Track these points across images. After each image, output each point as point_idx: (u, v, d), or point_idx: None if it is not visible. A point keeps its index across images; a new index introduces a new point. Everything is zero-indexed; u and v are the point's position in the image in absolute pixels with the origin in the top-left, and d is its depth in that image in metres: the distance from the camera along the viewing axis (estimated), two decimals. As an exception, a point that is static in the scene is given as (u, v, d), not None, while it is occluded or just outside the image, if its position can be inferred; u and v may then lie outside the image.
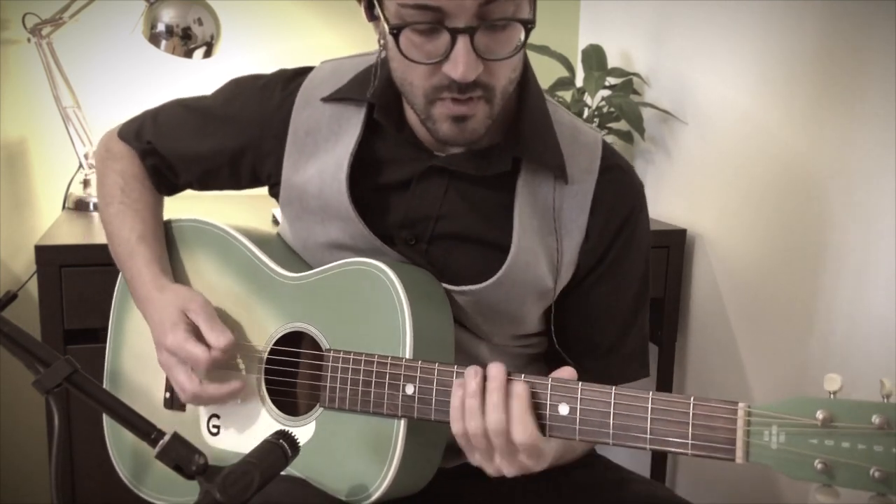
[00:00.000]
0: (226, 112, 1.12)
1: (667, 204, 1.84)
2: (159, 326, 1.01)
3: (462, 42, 0.85)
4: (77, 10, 1.71)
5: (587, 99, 1.83)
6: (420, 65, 0.89)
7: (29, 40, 1.72)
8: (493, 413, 0.82)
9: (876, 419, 0.70)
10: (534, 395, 0.84)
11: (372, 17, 0.92)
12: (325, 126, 1.05)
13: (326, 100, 1.05)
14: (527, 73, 1.02)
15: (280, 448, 0.79)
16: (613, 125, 1.85)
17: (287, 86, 1.09)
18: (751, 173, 1.59)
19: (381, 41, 0.94)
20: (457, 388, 0.86)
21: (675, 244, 1.74)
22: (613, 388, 0.82)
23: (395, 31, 0.87)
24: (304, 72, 1.10)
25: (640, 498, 1.02)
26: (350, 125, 1.04)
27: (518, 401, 0.82)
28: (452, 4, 0.83)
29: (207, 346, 0.98)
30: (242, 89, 1.13)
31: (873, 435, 0.70)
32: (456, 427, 0.85)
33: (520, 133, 0.99)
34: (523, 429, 0.82)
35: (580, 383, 0.83)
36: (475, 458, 0.87)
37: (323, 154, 1.04)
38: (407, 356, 0.91)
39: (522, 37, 0.88)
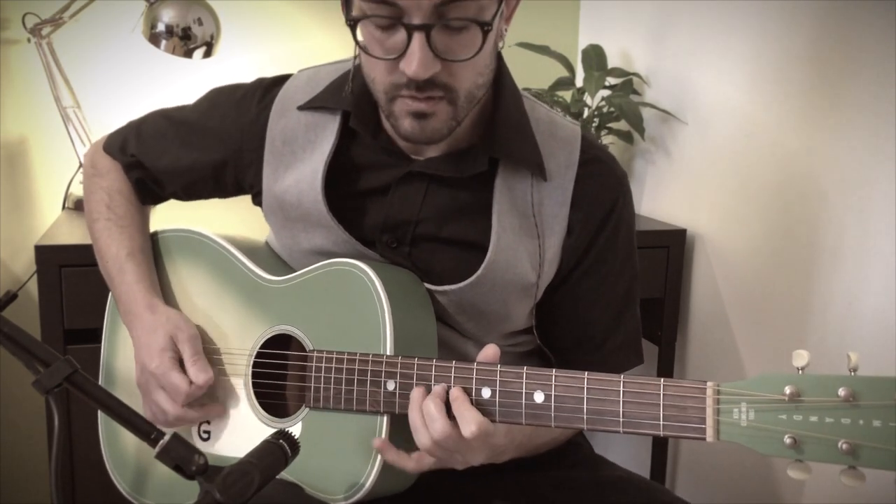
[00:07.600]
0: (206, 124, 1.12)
1: (667, 204, 1.84)
2: (146, 348, 1.02)
3: (417, 39, 0.84)
4: (77, 10, 1.71)
5: (587, 99, 1.83)
6: (380, 60, 0.89)
7: (29, 40, 1.72)
8: (434, 424, 0.85)
9: (842, 392, 0.70)
10: (508, 385, 0.85)
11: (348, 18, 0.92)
12: (301, 135, 1.05)
13: (302, 108, 1.06)
14: (502, 73, 1.02)
15: (280, 448, 0.80)
16: (613, 125, 1.85)
17: (264, 97, 1.09)
18: (751, 173, 1.59)
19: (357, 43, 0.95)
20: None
21: (675, 244, 1.74)
22: (586, 373, 0.82)
23: (352, 23, 0.89)
24: (281, 81, 1.11)
25: (639, 498, 1.02)
26: (326, 133, 1.04)
27: (457, 403, 0.85)
28: (409, 1, 0.83)
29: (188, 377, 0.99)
30: (221, 101, 1.13)
31: (840, 408, 0.71)
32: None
33: (496, 133, 0.99)
34: (467, 418, 0.84)
35: (554, 370, 0.84)
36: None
37: (300, 163, 1.05)
38: (388, 353, 0.92)
39: (481, 40, 0.87)
